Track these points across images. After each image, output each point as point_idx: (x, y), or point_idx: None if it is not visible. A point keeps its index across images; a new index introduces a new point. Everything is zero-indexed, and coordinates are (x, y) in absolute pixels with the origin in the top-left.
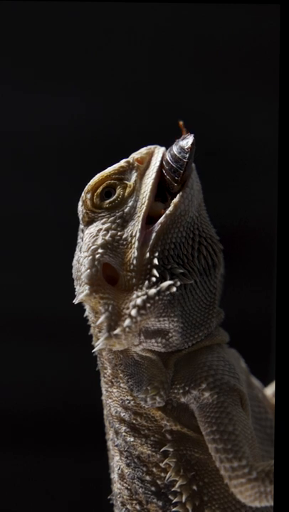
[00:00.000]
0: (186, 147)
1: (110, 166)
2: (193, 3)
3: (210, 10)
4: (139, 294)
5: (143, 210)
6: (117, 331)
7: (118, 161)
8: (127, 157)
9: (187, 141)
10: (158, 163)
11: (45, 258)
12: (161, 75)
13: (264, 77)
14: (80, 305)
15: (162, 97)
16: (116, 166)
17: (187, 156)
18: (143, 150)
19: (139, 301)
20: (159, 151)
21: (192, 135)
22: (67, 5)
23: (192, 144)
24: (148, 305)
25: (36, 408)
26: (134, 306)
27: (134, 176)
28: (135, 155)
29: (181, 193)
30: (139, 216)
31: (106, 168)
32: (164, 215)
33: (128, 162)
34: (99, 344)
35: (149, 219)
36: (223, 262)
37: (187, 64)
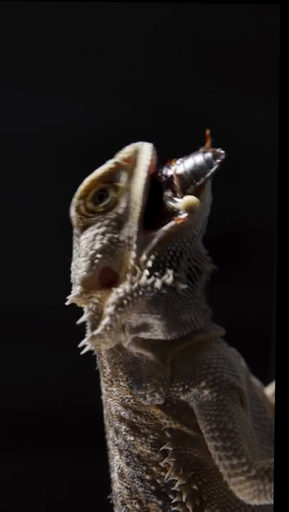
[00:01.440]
0: (213, 162)
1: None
2: (193, 3)
3: (210, 10)
4: (119, 290)
5: (138, 211)
6: (98, 330)
7: None
8: None
9: (217, 159)
10: (146, 162)
11: (45, 258)
12: (161, 75)
13: (264, 77)
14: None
15: (162, 97)
16: (105, 167)
17: (210, 170)
18: (129, 148)
19: (115, 298)
20: (145, 148)
21: (224, 153)
22: (67, 5)
23: (219, 163)
24: (125, 302)
25: (36, 408)
26: (111, 304)
27: (123, 176)
28: (122, 154)
29: None
30: (134, 217)
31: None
32: (170, 224)
33: (116, 163)
34: (85, 345)
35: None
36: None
37: (187, 64)
